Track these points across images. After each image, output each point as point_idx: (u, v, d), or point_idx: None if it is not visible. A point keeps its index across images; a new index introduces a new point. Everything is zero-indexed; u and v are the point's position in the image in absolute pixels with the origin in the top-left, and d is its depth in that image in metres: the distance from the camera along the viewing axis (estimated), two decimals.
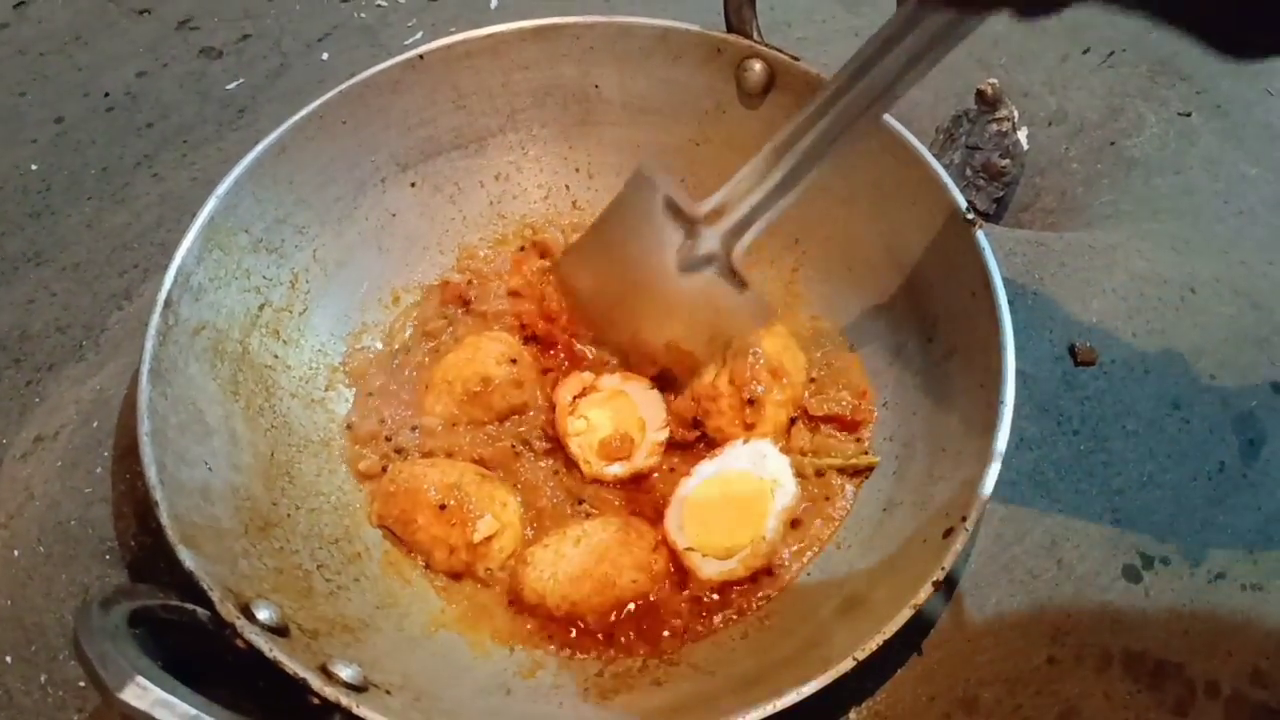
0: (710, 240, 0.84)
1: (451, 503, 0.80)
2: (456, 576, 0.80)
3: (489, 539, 0.79)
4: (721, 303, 0.85)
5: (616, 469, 0.85)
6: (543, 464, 0.87)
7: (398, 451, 0.86)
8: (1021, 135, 1.10)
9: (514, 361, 0.88)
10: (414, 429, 0.87)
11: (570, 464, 0.86)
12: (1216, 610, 0.78)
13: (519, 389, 0.88)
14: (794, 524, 0.81)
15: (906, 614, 0.64)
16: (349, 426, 0.87)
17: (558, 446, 0.86)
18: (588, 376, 0.89)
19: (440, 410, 0.87)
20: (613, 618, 0.77)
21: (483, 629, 0.78)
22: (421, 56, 0.91)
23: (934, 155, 0.84)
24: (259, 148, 0.85)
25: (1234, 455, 0.85)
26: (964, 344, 0.79)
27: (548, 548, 0.79)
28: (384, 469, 0.85)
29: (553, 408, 0.87)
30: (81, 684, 0.72)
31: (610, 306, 0.91)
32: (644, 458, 0.85)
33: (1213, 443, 0.85)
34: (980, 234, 0.78)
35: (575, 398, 0.87)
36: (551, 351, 0.92)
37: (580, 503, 0.84)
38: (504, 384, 0.87)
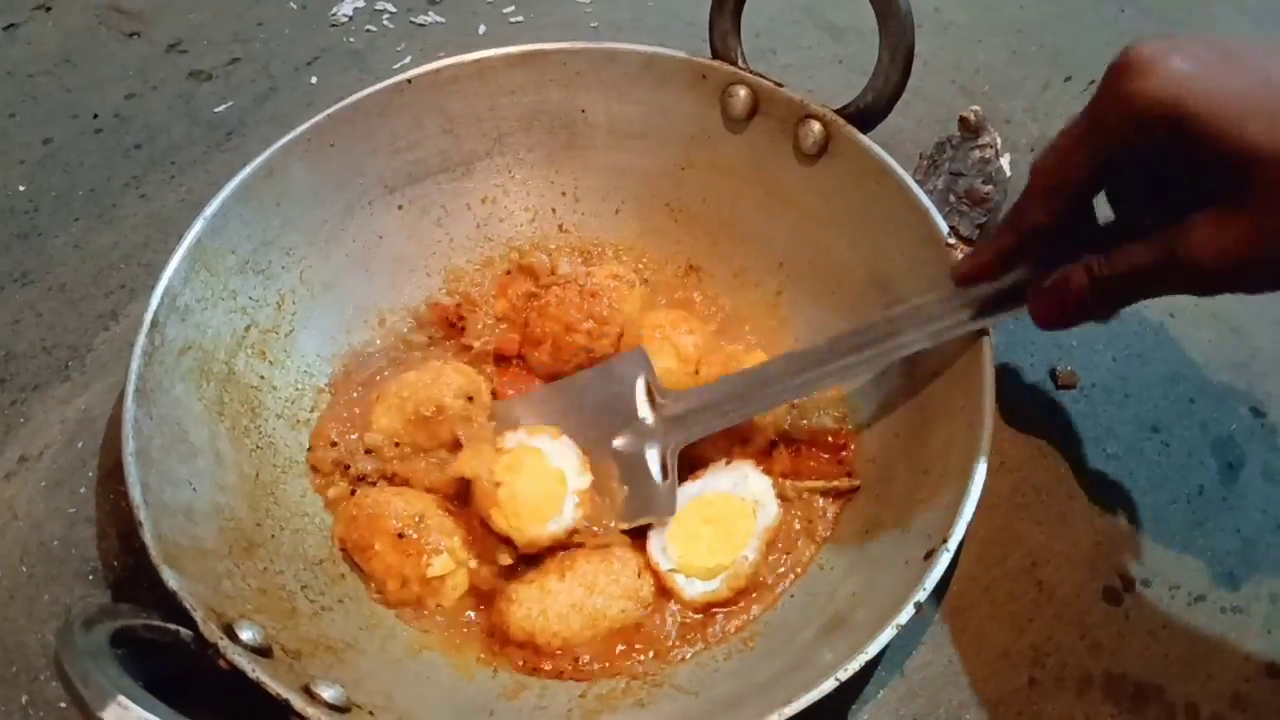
0: (659, 425, 0.85)
1: (411, 533, 0.79)
2: (412, 609, 0.79)
3: (442, 577, 0.79)
4: (635, 479, 0.84)
5: (552, 528, 0.81)
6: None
7: (360, 478, 0.86)
8: (1004, 162, 1.11)
9: (470, 399, 0.87)
10: (368, 452, 0.87)
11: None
12: (1197, 633, 0.79)
13: (469, 424, 0.86)
14: (777, 546, 0.81)
15: (888, 635, 0.64)
16: (310, 449, 0.87)
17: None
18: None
19: (386, 424, 0.86)
20: (601, 646, 0.77)
21: (467, 651, 0.77)
22: (409, 81, 0.92)
23: (917, 181, 0.85)
24: (246, 170, 0.85)
25: (1213, 478, 0.86)
26: (945, 367, 0.80)
27: (532, 583, 0.78)
28: (352, 493, 0.85)
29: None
30: (63, 704, 0.72)
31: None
32: (572, 510, 0.82)
33: (1192, 466, 0.86)
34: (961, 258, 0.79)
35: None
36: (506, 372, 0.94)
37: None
38: (454, 417, 0.86)
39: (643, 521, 0.82)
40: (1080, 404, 0.88)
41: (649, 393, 0.86)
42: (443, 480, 0.85)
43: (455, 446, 0.86)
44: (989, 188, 1.10)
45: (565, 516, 0.81)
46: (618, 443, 0.85)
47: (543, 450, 0.84)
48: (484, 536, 0.82)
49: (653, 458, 0.84)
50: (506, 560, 0.81)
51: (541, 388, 0.91)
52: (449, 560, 0.79)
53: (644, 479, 0.83)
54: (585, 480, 0.83)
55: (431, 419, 0.86)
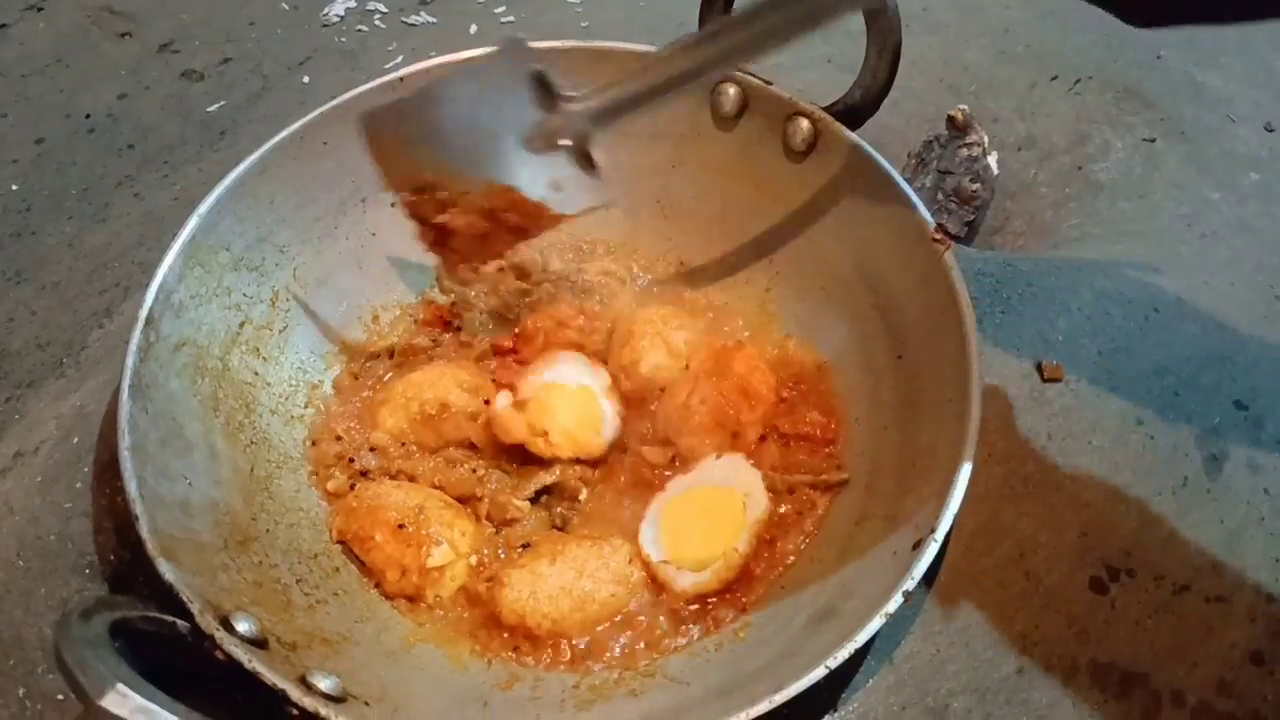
0: (569, 121, 0.81)
1: (410, 525, 0.80)
2: (409, 600, 0.80)
3: (441, 567, 0.79)
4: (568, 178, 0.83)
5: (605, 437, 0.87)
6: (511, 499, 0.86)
7: (363, 474, 0.87)
8: (991, 160, 1.12)
9: (478, 395, 0.89)
10: (373, 449, 0.88)
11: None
12: (1181, 622, 0.80)
13: (473, 422, 0.88)
14: (767, 538, 0.82)
15: (877, 623, 0.65)
16: (313, 443, 0.88)
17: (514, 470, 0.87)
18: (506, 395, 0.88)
19: (391, 425, 0.88)
20: (590, 632, 0.78)
21: (461, 643, 0.78)
22: (401, 79, 0.93)
23: (905, 179, 0.86)
24: (241, 167, 0.86)
25: (1197, 470, 0.86)
26: (933, 361, 0.81)
27: (524, 568, 0.79)
28: (352, 487, 0.86)
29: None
30: (60, 697, 0.73)
31: (428, 159, 0.84)
32: (610, 425, 0.87)
33: (1177, 458, 0.87)
34: (948, 254, 0.80)
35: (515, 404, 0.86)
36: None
37: (554, 528, 0.85)
38: (459, 414, 0.87)
39: (586, 209, 0.85)
40: (1066, 397, 0.89)
41: (542, 84, 0.81)
42: (452, 478, 0.86)
43: (462, 445, 0.88)
44: (977, 185, 1.11)
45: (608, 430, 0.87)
46: (531, 145, 0.82)
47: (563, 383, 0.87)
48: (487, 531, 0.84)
49: (573, 155, 0.82)
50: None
51: (423, 90, 0.86)
52: (448, 551, 0.80)
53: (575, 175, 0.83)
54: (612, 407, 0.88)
55: (435, 417, 0.87)
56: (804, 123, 0.89)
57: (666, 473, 0.86)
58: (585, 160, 0.82)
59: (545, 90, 0.81)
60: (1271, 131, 1.18)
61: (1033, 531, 0.82)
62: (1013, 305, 0.94)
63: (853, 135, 0.88)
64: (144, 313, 0.77)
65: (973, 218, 1.13)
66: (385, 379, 0.93)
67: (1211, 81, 1.24)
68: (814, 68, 1.28)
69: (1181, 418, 0.89)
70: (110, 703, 0.54)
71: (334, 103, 0.91)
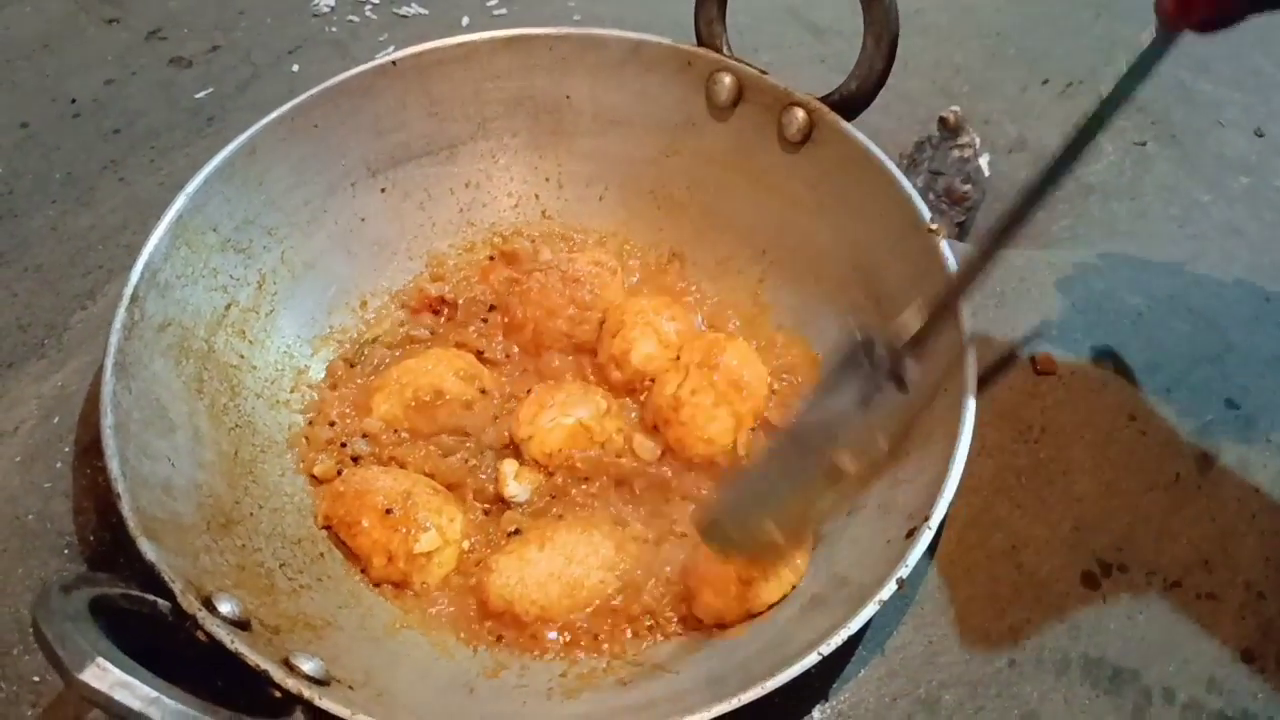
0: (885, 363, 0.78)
1: (398, 510, 0.79)
2: (396, 586, 0.79)
3: (429, 554, 0.78)
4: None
5: None
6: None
7: (354, 459, 0.86)
8: (983, 162, 1.12)
9: (472, 383, 0.88)
10: (364, 436, 0.87)
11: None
12: (1172, 618, 0.79)
13: (468, 410, 0.87)
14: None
15: (871, 610, 0.64)
16: (309, 423, 0.87)
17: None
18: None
19: (385, 411, 0.87)
20: (579, 619, 0.77)
21: (447, 630, 0.77)
22: (394, 63, 0.92)
23: None
24: (230, 147, 0.85)
25: (1189, 467, 0.86)
26: (928, 353, 0.80)
27: (512, 554, 0.78)
28: (339, 472, 0.84)
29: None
30: (36, 679, 0.71)
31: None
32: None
33: (1168, 454, 0.87)
34: (943, 244, 0.80)
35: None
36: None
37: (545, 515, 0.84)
38: (454, 401, 0.86)
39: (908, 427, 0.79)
40: (1059, 391, 0.89)
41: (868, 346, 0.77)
42: (443, 466, 0.85)
43: (451, 434, 0.87)
44: (968, 186, 1.11)
45: None
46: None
47: None
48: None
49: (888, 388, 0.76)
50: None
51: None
52: (436, 537, 0.78)
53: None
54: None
55: (430, 404, 0.86)
56: (799, 113, 0.89)
57: (649, 467, 0.85)
58: (899, 383, 0.76)
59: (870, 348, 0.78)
60: (1261, 136, 1.19)
61: (1025, 525, 0.82)
62: (1006, 299, 0.94)
63: (848, 126, 0.87)
64: (129, 290, 0.76)
65: (964, 219, 1.13)
66: (380, 366, 0.92)
67: (1201, 86, 1.25)
68: (807, 68, 1.28)
69: (1173, 415, 0.89)
70: (90, 676, 0.52)
71: (325, 85, 0.90)
